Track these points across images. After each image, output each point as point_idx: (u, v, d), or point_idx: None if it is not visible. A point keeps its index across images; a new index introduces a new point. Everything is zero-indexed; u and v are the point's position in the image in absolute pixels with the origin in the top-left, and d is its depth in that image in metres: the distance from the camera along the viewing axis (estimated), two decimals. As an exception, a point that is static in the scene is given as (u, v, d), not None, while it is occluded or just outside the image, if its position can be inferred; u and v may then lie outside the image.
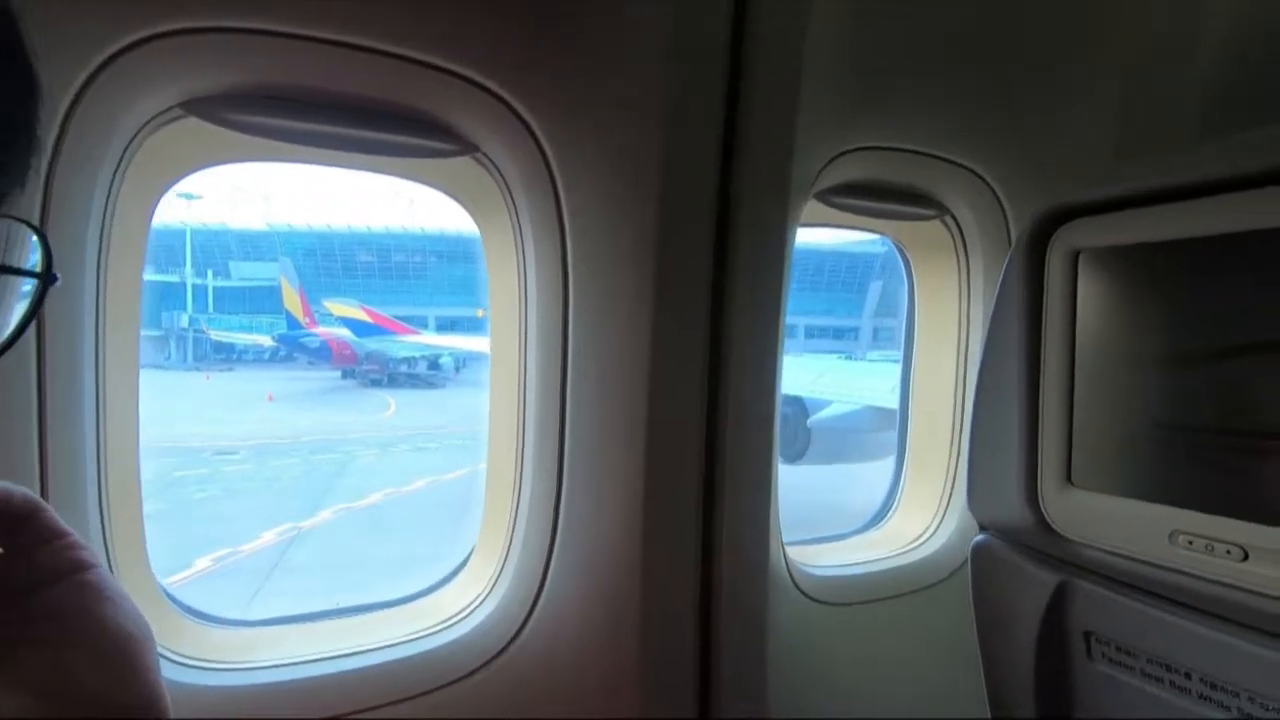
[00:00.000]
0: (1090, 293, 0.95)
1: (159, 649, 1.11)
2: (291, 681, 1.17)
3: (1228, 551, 0.80)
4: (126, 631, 0.53)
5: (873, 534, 1.80)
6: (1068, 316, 0.97)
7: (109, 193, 1.06)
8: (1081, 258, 0.96)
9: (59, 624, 0.51)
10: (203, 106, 1.10)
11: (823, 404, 7.32)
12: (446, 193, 1.34)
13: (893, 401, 1.92)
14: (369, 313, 12.59)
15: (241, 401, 12.82)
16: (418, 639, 1.28)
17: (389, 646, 1.25)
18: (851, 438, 7.00)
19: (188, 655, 1.16)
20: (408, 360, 13.49)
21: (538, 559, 1.32)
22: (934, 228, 1.68)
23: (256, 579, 6.35)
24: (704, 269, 1.28)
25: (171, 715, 0.52)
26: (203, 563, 6.48)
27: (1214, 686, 0.88)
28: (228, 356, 14.83)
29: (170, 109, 1.09)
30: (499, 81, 1.16)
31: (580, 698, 1.31)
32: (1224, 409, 0.84)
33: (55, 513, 0.54)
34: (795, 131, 1.29)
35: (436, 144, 1.22)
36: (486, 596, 1.35)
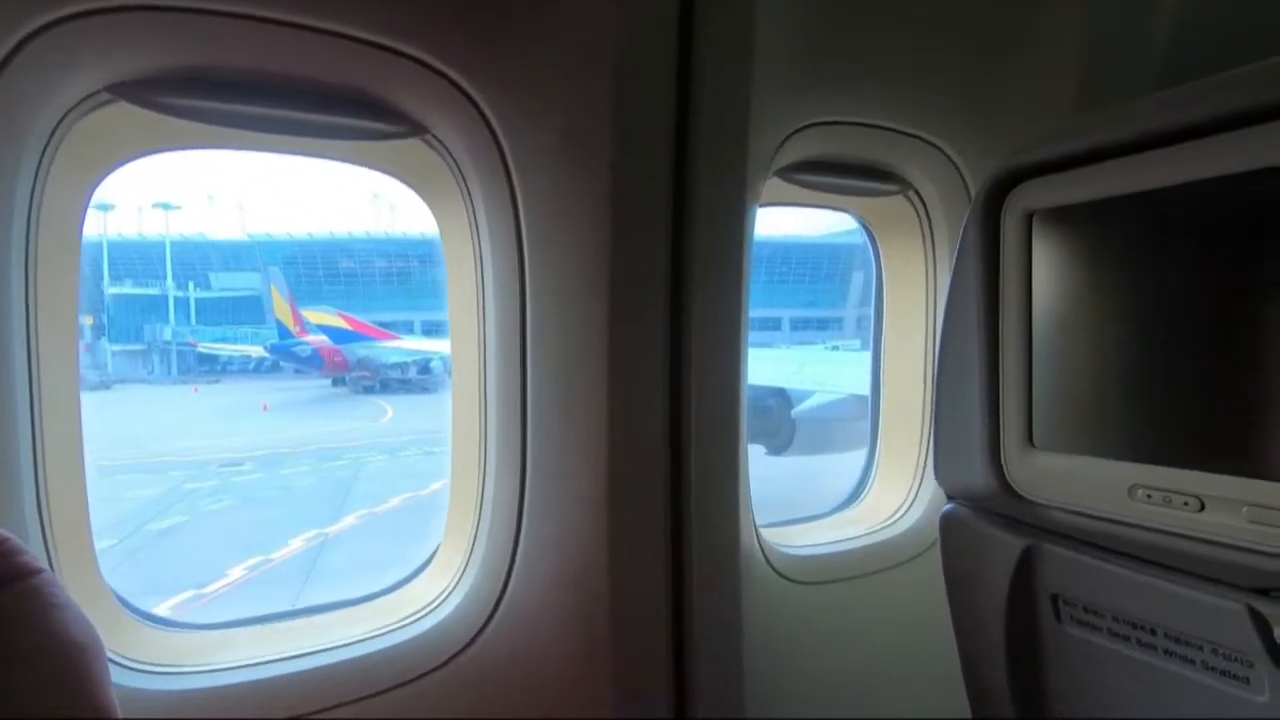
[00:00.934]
0: (1045, 254, 0.94)
1: (109, 654, 1.07)
2: (250, 683, 1.13)
3: (1185, 503, 0.80)
4: (76, 641, 0.50)
5: (848, 513, 1.77)
6: (1023, 279, 0.96)
7: (34, 182, 1.01)
8: (1035, 219, 0.94)
9: (3, 635, 0.48)
10: (131, 90, 1.05)
11: (806, 395, 7.31)
12: (398, 178, 1.29)
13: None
14: (346, 319, 12.47)
15: (236, 413, 12.61)
16: (382, 635, 1.24)
17: (352, 644, 1.21)
18: (836, 427, 6.99)
19: (141, 660, 1.11)
20: (399, 366, 13.37)
21: (503, 550, 1.28)
22: (899, 203, 1.65)
23: (294, 584, 6.36)
24: (662, 248, 1.24)
25: None
26: (236, 571, 6.49)
27: (1178, 641, 0.88)
28: (211, 368, 14.61)
29: (96, 93, 1.04)
30: (444, 59, 1.12)
31: (552, 686, 1.27)
32: (1178, 362, 0.83)
33: None
34: (750, 105, 1.25)
35: (382, 126, 1.18)
36: (453, 590, 1.31)
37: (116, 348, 13.32)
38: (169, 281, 13.25)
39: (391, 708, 1.20)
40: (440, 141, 1.22)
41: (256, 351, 13.43)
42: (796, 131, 1.40)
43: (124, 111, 1.06)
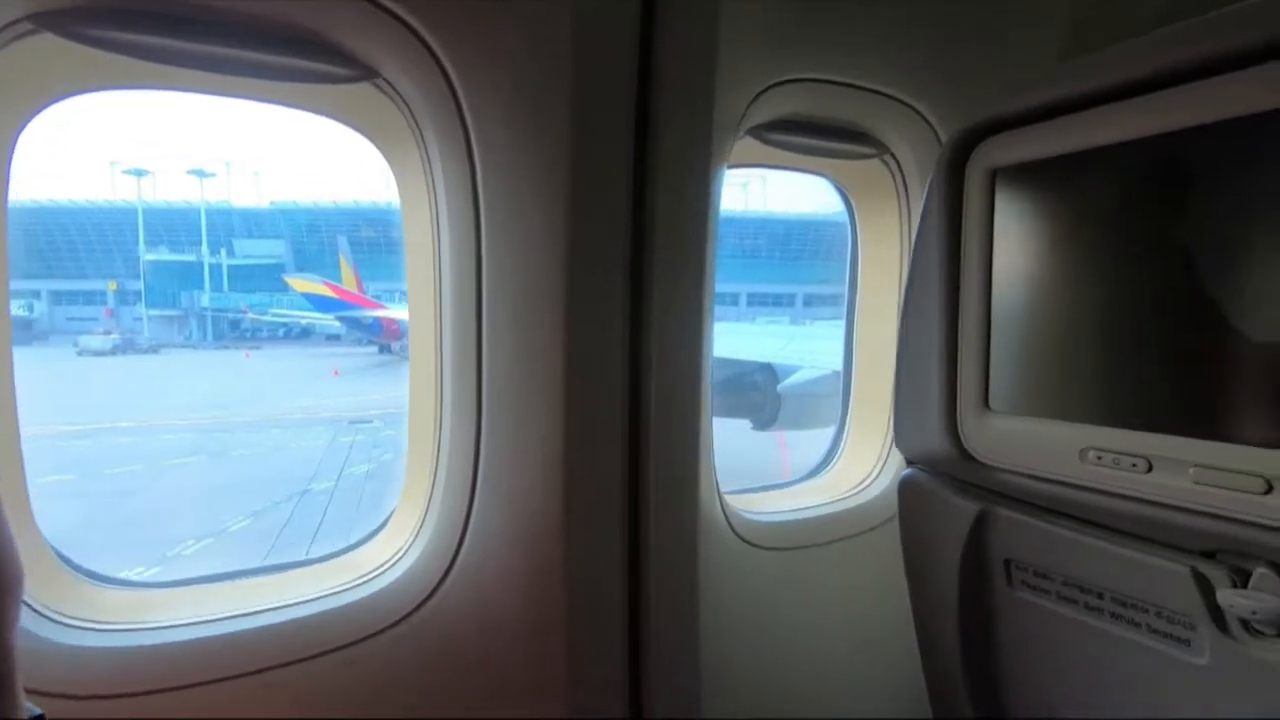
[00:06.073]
0: (1007, 212, 0.86)
1: (43, 609, 0.96)
2: (192, 641, 1.03)
3: (1133, 464, 0.75)
4: None
5: (816, 481, 1.66)
6: (984, 238, 0.88)
7: None
8: (999, 176, 0.86)
9: None
10: (56, 20, 0.91)
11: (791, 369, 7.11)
12: (350, 124, 1.16)
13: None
14: (332, 287, 12.33)
15: (309, 377, 12.54)
16: (334, 594, 1.14)
17: (304, 602, 1.11)
18: (821, 402, 6.80)
19: (76, 616, 1.01)
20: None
21: (458, 512, 1.18)
22: (875, 168, 1.51)
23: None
24: (622, 207, 1.11)
25: (22, 676, 0.44)
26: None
27: (1124, 604, 0.83)
28: (243, 335, 14.48)
29: (17, 22, 0.90)
30: None
31: (506, 643, 1.18)
32: (1129, 323, 0.77)
33: None
34: (718, 58, 1.11)
35: (329, 68, 1.04)
36: (409, 548, 1.21)
37: (153, 313, 13.21)
38: (204, 248, 13.07)
39: (342, 665, 1.11)
40: (392, 86, 1.09)
41: (327, 320, 13.24)
42: (768, 89, 1.25)
43: (50, 44, 0.93)
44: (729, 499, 1.41)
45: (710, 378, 1.30)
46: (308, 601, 1.12)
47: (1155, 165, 0.73)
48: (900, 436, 1.02)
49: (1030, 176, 0.84)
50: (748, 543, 1.40)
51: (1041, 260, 0.84)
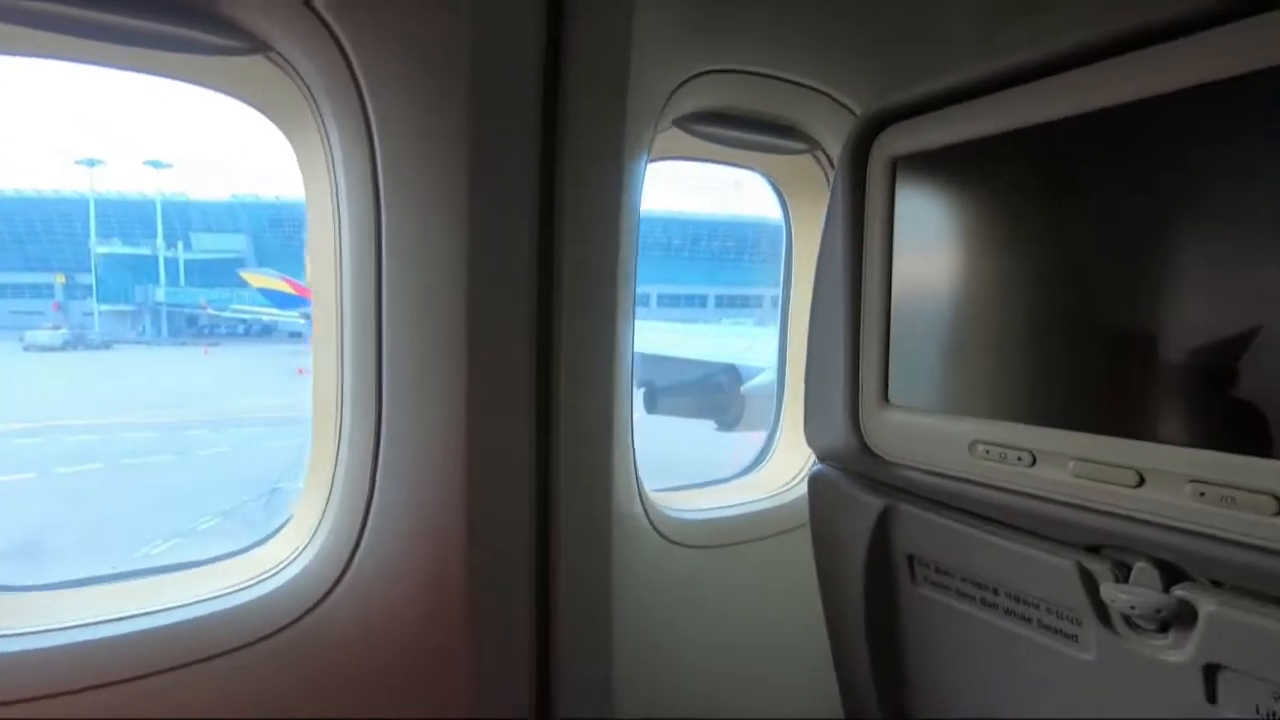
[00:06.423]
0: (908, 202, 0.84)
1: None
2: (65, 646, 0.95)
3: (1018, 458, 0.74)
4: None
5: (748, 479, 1.64)
6: (885, 229, 0.86)
7: None
8: (899, 165, 0.84)
9: None
10: None
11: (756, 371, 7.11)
12: (244, 100, 1.09)
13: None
14: (290, 283, 12.01)
15: (271, 374, 12.20)
16: (220, 597, 1.07)
17: (182, 606, 1.04)
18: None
19: None
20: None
21: (359, 504, 1.12)
22: (807, 163, 1.49)
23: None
24: (529, 189, 1.07)
25: None
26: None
27: (1018, 600, 0.82)
28: (201, 332, 14.02)
29: None
30: None
31: (408, 646, 1.12)
32: (1015, 316, 0.76)
33: None
34: (632, 41, 1.08)
35: (216, 39, 0.98)
36: (303, 550, 1.14)
37: (105, 307, 12.73)
38: (159, 241, 12.62)
39: (227, 673, 1.04)
40: (286, 60, 1.03)
41: (290, 316, 12.81)
42: (692, 79, 1.22)
43: None
44: (653, 496, 1.38)
45: (634, 375, 1.27)
46: (191, 604, 1.05)
47: (1042, 157, 0.72)
48: (809, 432, 1.00)
49: (929, 165, 0.82)
50: (669, 540, 1.36)
51: (936, 252, 0.82)
